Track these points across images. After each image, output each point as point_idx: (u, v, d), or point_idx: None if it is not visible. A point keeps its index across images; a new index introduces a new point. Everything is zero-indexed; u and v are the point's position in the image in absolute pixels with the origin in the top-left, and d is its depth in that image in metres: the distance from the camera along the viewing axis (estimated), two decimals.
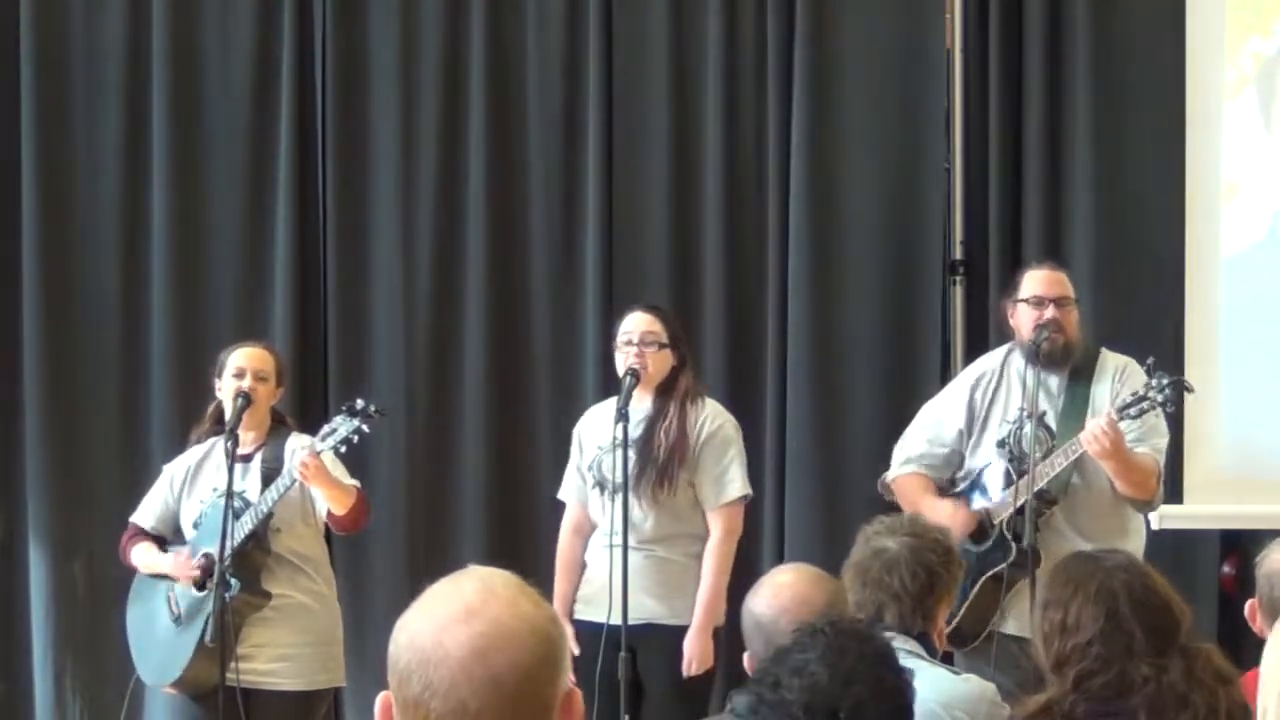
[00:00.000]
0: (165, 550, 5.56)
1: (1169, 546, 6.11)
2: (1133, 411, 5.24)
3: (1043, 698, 3.34)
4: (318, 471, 5.15)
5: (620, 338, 5.51)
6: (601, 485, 5.47)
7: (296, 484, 5.23)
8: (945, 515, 5.39)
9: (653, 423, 5.43)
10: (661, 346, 5.47)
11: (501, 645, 1.96)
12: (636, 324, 5.51)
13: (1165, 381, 5.25)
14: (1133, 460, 5.31)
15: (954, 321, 6.72)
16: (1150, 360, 5.35)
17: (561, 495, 5.70)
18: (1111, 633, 3.30)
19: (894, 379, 6.63)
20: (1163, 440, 5.47)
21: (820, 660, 2.69)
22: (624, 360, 5.45)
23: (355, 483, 5.36)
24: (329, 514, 5.32)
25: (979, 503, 5.52)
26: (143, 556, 5.57)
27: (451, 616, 1.97)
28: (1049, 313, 5.47)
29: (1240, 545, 6.19)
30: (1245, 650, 3.11)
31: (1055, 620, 3.36)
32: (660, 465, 5.38)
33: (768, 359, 6.71)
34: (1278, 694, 2.71)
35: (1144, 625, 3.31)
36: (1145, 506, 5.55)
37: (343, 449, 5.22)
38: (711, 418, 5.51)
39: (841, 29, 6.70)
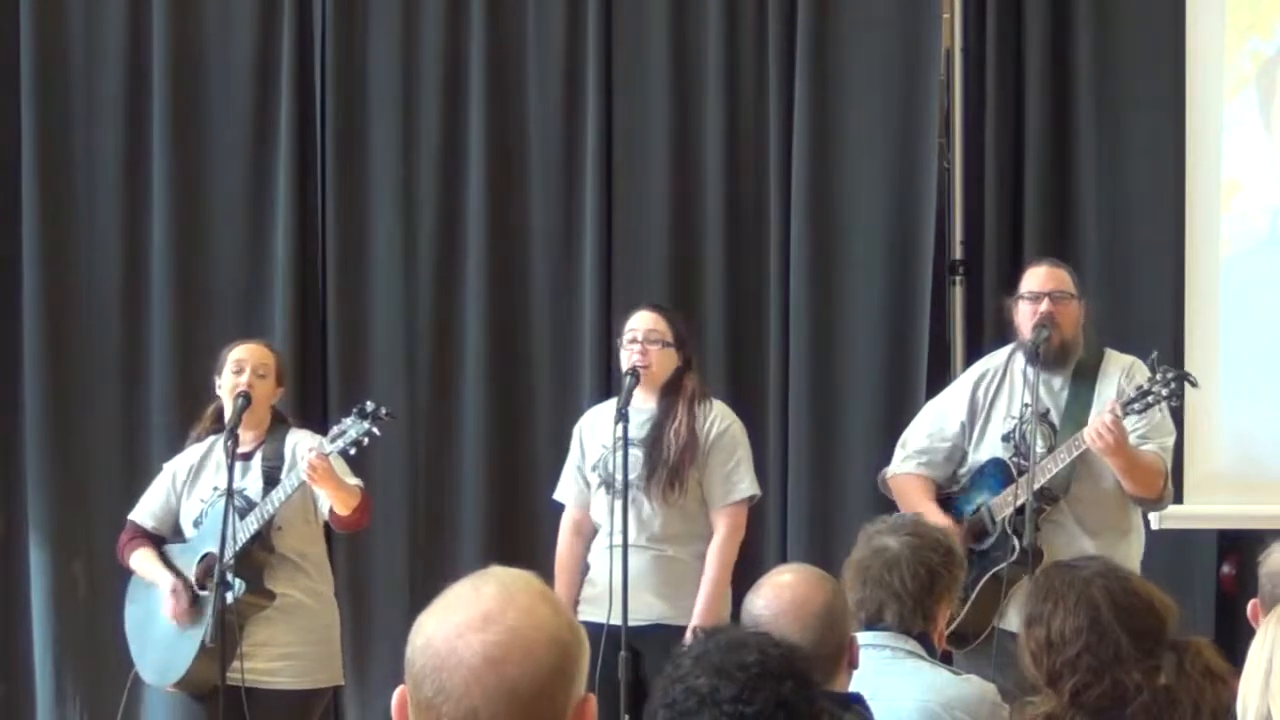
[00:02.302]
0: (162, 552, 5.55)
1: (1168, 546, 6.11)
2: (1137, 406, 5.23)
3: (1041, 711, 3.34)
4: (325, 473, 5.15)
5: (624, 335, 5.52)
6: (608, 485, 5.45)
7: (302, 484, 5.23)
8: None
9: (661, 423, 5.44)
10: (665, 345, 5.47)
11: (517, 655, 1.94)
12: (641, 322, 5.51)
13: (1170, 375, 5.24)
14: (1138, 458, 5.30)
15: (953, 321, 6.73)
16: (1154, 354, 5.35)
17: (559, 496, 5.69)
18: (1098, 641, 3.30)
19: (895, 379, 6.63)
20: (1169, 438, 5.46)
21: (706, 641, 2.79)
22: (627, 358, 5.45)
23: (358, 482, 5.36)
24: (331, 513, 5.32)
25: (979, 499, 5.51)
26: (141, 564, 5.56)
27: (468, 622, 1.96)
28: (1043, 307, 5.46)
29: (1240, 545, 6.19)
30: (1245, 650, 3.11)
31: (1040, 637, 3.36)
32: (672, 466, 5.39)
33: (769, 359, 6.71)
34: (1259, 691, 2.73)
35: (1128, 629, 3.32)
36: (1154, 505, 5.54)
37: (352, 451, 5.23)
38: (720, 418, 5.53)
39: (841, 29, 6.70)
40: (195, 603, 5.41)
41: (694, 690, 2.70)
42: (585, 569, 5.56)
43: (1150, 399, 5.22)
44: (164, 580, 5.47)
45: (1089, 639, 3.30)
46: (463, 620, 1.96)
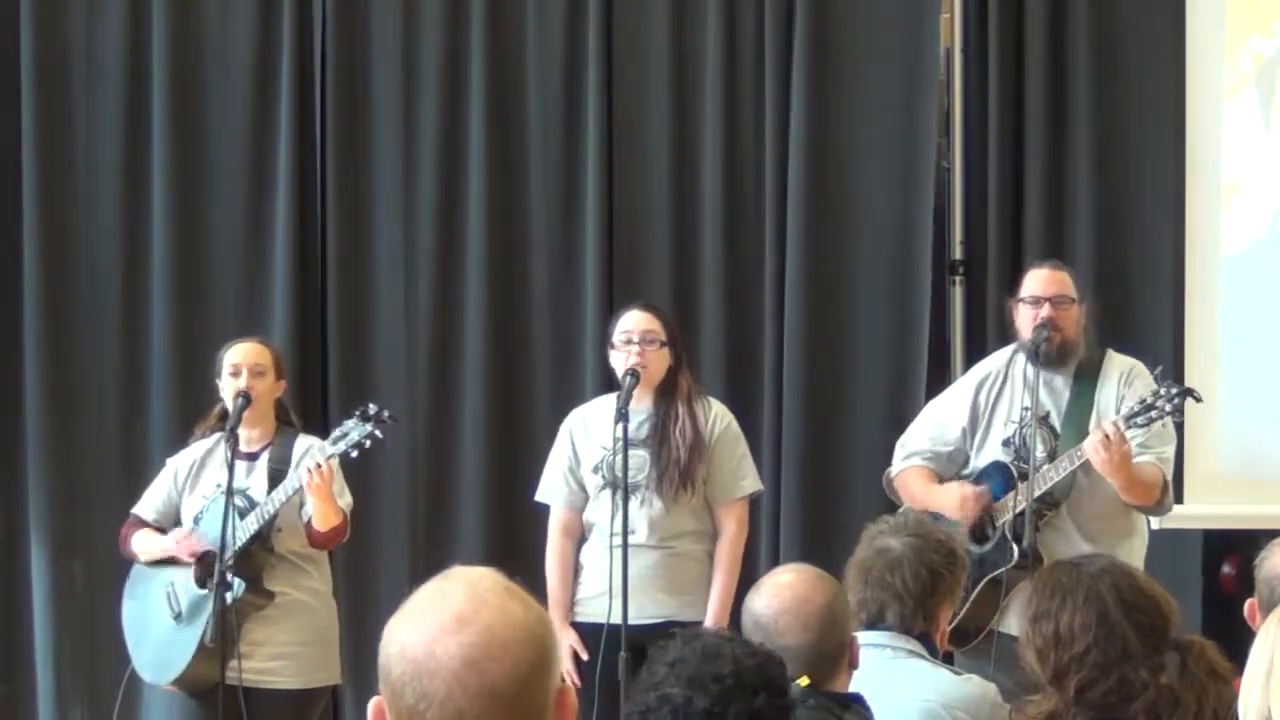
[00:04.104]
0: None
1: (1166, 546, 6.11)
2: (1140, 420, 5.23)
3: (1044, 708, 3.33)
4: (323, 486, 5.14)
5: (618, 336, 5.49)
6: (614, 486, 5.43)
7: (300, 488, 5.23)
8: (953, 497, 5.40)
9: (663, 424, 5.43)
10: (661, 345, 5.47)
11: (495, 654, 1.95)
12: (636, 323, 5.49)
13: (1174, 391, 5.24)
14: (1137, 475, 5.29)
15: (953, 321, 6.73)
16: (1158, 369, 5.36)
17: (544, 497, 5.63)
18: (1106, 638, 3.29)
19: (892, 379, 6.63)
20: (1169, 448, 5.44)
21: (683, 648, 2.80)
22: (623, 359, 5.43)
23: (348, 502, 5.35)
24: (308, 524, 5.30)
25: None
26: (143, 542, 5.54)
27: (442, 626, 1.95)
28: (1045, 312, 5.46)
29: (1239, 545, 6.19)
30: (1243, 650, 3.11)
31: (1048, 633, 3.34)
32: (684, 467, 5.39)
33: (766, 358, 6.71)
34: (1259, 693, 2.73)
35: (1136, 626, 3.31)
36: (1155, 510, 5.53)
37: (353, 454, 5.22)
38: (720, 416, 5.54)
39: (841, 28, 6.70)
40: (203, 558, 5.39)
41: (668, 699, 2.72)
42: (579, 569, 5.54)
43: (1154, 414, 5.22)
44: (167, 543, 5.46)
45: (1097, 634, 3.29)
46: (436, 624, 1.96)
